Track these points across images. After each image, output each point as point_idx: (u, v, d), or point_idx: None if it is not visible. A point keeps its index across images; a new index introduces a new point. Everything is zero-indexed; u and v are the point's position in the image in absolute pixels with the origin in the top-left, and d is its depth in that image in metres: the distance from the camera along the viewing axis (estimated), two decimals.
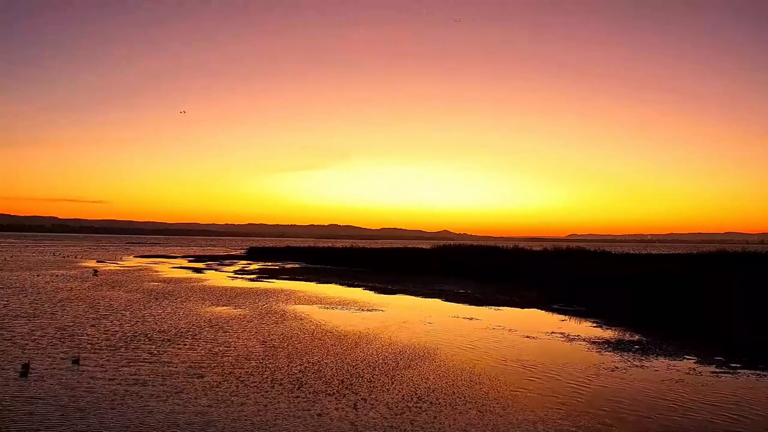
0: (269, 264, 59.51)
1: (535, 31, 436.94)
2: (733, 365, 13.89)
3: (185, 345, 15.03)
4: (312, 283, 36.70)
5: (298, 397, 10.50)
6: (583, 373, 12.87)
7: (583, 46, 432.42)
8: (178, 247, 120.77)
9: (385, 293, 30.76)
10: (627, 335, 18.09)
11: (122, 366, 12.50)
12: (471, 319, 21.33)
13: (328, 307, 24.00)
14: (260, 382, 11.41)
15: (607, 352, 15.29)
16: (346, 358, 13.88)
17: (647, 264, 35.54)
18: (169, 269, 49.37)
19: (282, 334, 17.01)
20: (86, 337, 15.72)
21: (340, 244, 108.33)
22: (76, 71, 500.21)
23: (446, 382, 11.81)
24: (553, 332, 18.41)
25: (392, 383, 11.63)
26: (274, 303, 25.00)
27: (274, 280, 38.19)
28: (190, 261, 64.40)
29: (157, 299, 25.54)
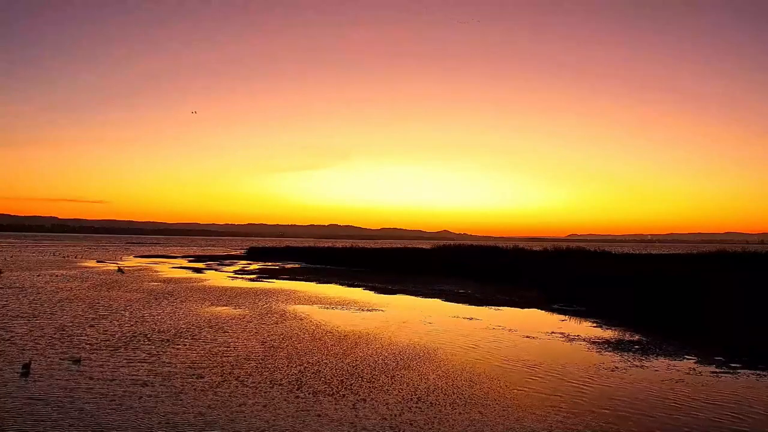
0: (269, 264, 59.49)
1: (535, 31, 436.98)
2: (733, 365, 13.88)
3: (185, 345, 15.02)
4: (312, 283, 36.69)
5: (297, 397, 10.49)
6: (584, 373, 12.86)
7: (583, 46, 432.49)
8: (178, 247, 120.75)
9: (385, 293, 30.75)
10: (627, 335, 18.08)
11: (121, 366, 12.49)
12: (471, 319, 21.32)
13: (328, 307, 23.99)
14: (260, 383, 11.40)
15: (607, 352, 15.29)
16: (345, 359, 13.87)
17: (647, 264, 35.52)
18: (169, 269, 49.36)
19: (282, 334, 17.00)
20: (85, 338, 15.71)
21: (340, 244, 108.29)
22: (76, 71, 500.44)
23: (446, 383, 11.80)
24: (553, 332, 18.41)
25: (392, 383, 11.62)
26: (274, 303, 24.99)
27: (274, 280, 38.18)
28: (190, 261, 64.39)
29: (156, 299, 25.53)
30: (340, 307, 24.35)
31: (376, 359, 13.90)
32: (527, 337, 17.48)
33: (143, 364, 12.71)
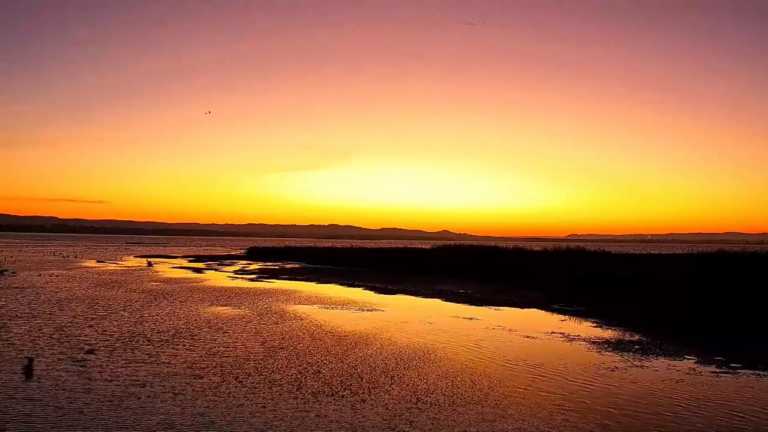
0: (269, 264, 59.47)
1: (535, 31, 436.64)
2: (733, 365, 13.87)
3: (184, 345, 14.99)
4: (312, 283, 36.67)
5: (297, 398, 10.47)
6: (585, 372, 12.84)
7: (583, 46, 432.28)
8: (178, 247, 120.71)
9: (385, 293, 30.74)
10: (627, 335, 18.06)
11: (120, 367, 12.46)
12: (471, 319, 21.30)
13: (327, 307, 23.97)
14: (259, 383, 11.37)
15: (607, 352, 15.26)
16: (345, 359, 13.84)
17: (647, 264, 35.51)
18: (169, 269, 49.34)
19: (282, 335, 16.98)
20: (84, 338, 15.68)
21: (340, 244, 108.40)
22: (76, 71, 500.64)
23: (446, 383, 11.77)
24: (553, 332, 18.39)
25: (392, 384, 11.60)
26: (273, 303, 24.97)
27: (274, 280, 38.16)
28: (190, 261, 64.36)
29: (156, 299, 25.51)
30: (340, 307, 24.33)
31: (376, 359, 13.88)
32: (527, 337, 17.46)
33: (142, 365, 12.68)
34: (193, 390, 10.75)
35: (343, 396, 10.62)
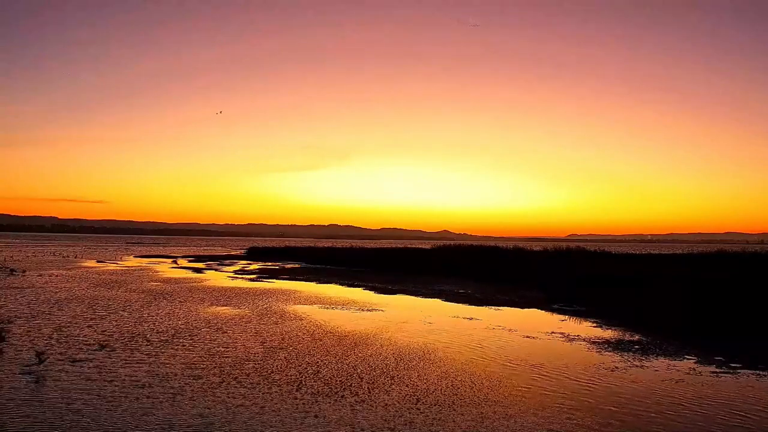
0: (269, 264, 59.45)
1: (535, 31, 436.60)
2: (733, 365, 13.85)
3: (183, 345, 14.97)
4: (312, 283, 36.65)
5: (296, 398, 10.44)
6: (584, 372, 12.82)
7: (583, 46, 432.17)
8: (178, 247, 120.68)
9: (385, 293, 30.71)
10: (627, 335, 18.04)
11: (119, 367, 12.44)
12: (471, 319, 21.28)
13: (327, 307, 23.95)
14: (259, 384, 11.35)
15: (607, 352, 15.24)
16: (345, 359, 13.82)
17: (647, 264, 35.49)
18: (169, 269, 49.31)
19: (281, 335, 16.95)
20: (83, 338, 15.66)
21: (340, 244, 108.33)
22: (76, 71, 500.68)
23: (447, 383, 11.75)
24: (553, 332, 18.37)
25: (392, 384, 11.58)
26: (273, 303, 24.95)
27: (274, 280, 38.14)
28: (190, 261, 64.33)
29: (156, 299, 25.48)
30: (340, 307, 24.31)
31: (376, 359, 13.85)
32: (528, 337, 17.44)
33: (141, 365, 12.66)
34: (192, 390, 10.73)
35: (342, 396, 10.60)
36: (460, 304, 25.86)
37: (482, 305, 25.59)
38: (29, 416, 9.08)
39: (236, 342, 15.63)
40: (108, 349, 14.22)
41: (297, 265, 57.58)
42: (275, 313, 21.78)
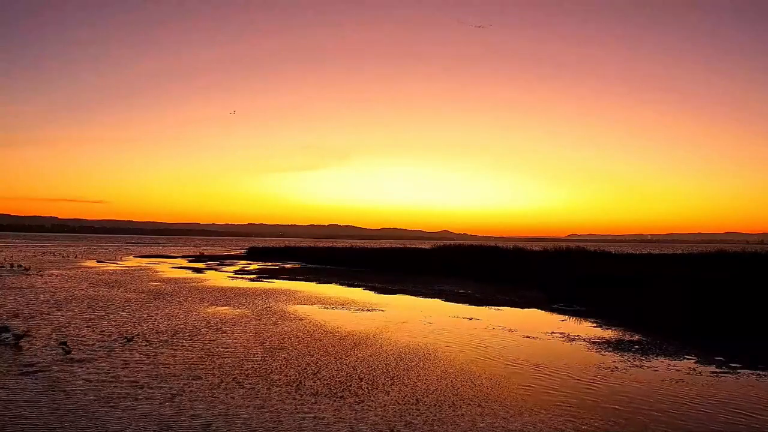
0: (269, 264, 59.43)
1: (535, 31, 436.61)
2: (733, 365, 13.83)
3: (183, 346, 14.95)
4: (312, 283, 36.63)
5: (296, 399, 10.42)
6: (585, 372, 12.80)
7: (583, 46, 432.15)
8: (178, 247, 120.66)
9: (385, 293, 30.70)
10: (627, 335, 18.02)
11: (118, 368, 12.42)
12: (471, 319, 21.26)
13: (327, 307, 23.93)
14: (258, 384, 11.33)
15: (607, 352, 15.22)
16: (345, 359, 13.80)
17: (647, 264, 35.47)
18: (169, 269, 49.29)
19: (281, 335, 16.93)
20: (82, 338, 15.64)
21: (340, 244, 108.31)
22: (76, 71, 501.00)
23: (447, 383, 11.73)
24: (553, 332, 18.35)
25: (392, 384, 11.56)
26: (273, 303, 24.93)
27: (274, 280, 38.12)
28: (190, 261, 64.32)
29: (155, 299, 25.46)
30: (339, 307, 24.29)
31: (376, 360, 13.83)
32: (527, 337, 17.42)
33: (140, 366, 12.63)
34: (191, 391, 10.71)
35: (342, 397, 10.58)
36: (460, 304, 25.84)
37: (482, 305, 25.57)
38: (27, 416, 9.05)
39: (236, 342, 15.61)
40: (107, 350, 14.20)
41: (297, 265, 57.57)
42: (275, 313, 21.76)
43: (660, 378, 12.49)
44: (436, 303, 26.63)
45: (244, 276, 42.11)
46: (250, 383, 11.36)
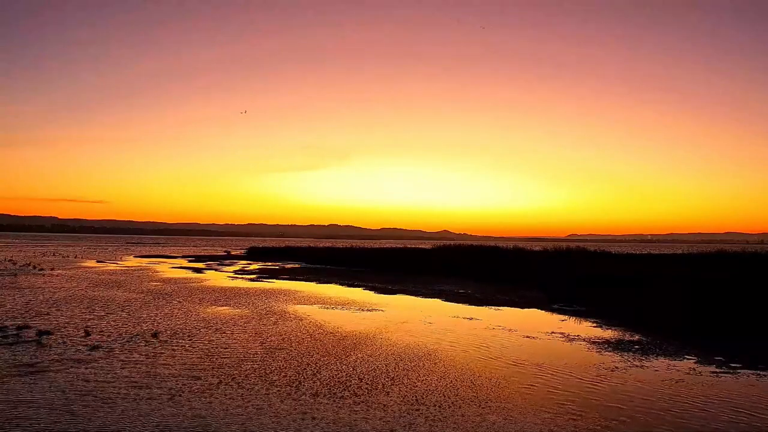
0: (269, 264, 59.41)
1: (535, 31, 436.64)
2: (733, 365, 13.81)
3: (182, 346, 14.92)
4: (312, 283, 36.60)
5: (296, 399, 10.40)
6: (585, 372, 12.78)
7: (583, 46, 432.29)
8: (178, 247, 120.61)
9: (385, 293, 30.67)
10: (627, 335, 18.00)
11: (118, 368, 12.40)
12: (471, 319, 21.24)
13: (327, 307, 23.91)
14: (258, 384, 11.31)
15: (607, 352, 15.21)
16: (345, 359, 13.78)
17: (647, 264, 35.45)
18: (169, 269, 49.26)
19: (281, 335, 16.91)
20: (81, 339, 15.61)
21: (340, 244, 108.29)
22: (76, 71, 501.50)
23: (447, 383, 11.71)
24: (553, 332, 18.33)
25: (392, 384, 11.54)
26: (273, 303, 24.91)
27: (274, 280, 38.10)
28: (190, 261, 64.29)
29: (155, 299, 25.44)
30: (340, 307, 24.27)
31: (376, 360, 13.81)
32: (528, 337, 17.40)
33: (140, 366, 12.61)
34: (191, 391, 10.69)
35: (342, 397, 10.56)
36: (460, 304, 25.82)
37: (482, 305, 25.55)
38: (26, 417, 9.03)
39: (235, 342, 15.59)
40: (106, 350, 14.18)
41: (297, 265, 57.54)
42: (275, 313, 21.74)
43: (661, 378, 12.47)
44: (436, 303, 26.61)
45: (244, 276, 42.08)
46: (250, 383, 11.33)
